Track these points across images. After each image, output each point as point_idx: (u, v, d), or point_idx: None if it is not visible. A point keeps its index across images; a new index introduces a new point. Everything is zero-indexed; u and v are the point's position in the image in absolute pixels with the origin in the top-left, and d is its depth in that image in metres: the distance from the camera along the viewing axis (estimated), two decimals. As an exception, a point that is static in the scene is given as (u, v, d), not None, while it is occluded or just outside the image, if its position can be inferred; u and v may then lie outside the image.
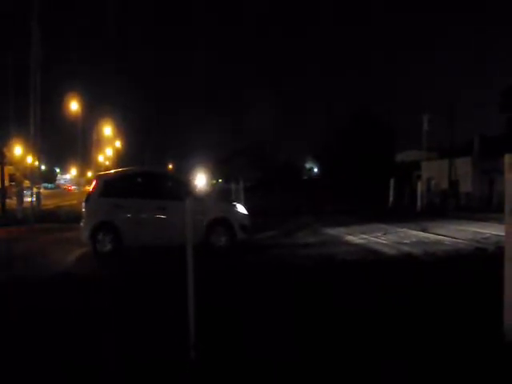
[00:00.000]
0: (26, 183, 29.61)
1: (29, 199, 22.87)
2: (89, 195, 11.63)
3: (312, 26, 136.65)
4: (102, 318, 5.56)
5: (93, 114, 49.89)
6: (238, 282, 7.52)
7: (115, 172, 14.04)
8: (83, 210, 11.49)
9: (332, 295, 6.42)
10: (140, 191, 11.60)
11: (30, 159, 26.80)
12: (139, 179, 12.14)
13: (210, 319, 5.06)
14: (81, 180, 62.28)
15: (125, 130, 65.03)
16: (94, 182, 11.96)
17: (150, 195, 11.42)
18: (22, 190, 23.11)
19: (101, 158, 62.61)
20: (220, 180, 72.14)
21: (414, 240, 12.98)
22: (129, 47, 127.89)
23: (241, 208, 12.25)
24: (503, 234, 4.74)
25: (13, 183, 37.21)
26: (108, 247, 11.07)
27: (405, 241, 12.86)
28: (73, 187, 69.19)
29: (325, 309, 5.81)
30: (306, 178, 68.57)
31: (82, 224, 11.40)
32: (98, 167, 54.26)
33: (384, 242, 12.77)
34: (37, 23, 20.99)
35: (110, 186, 11.57)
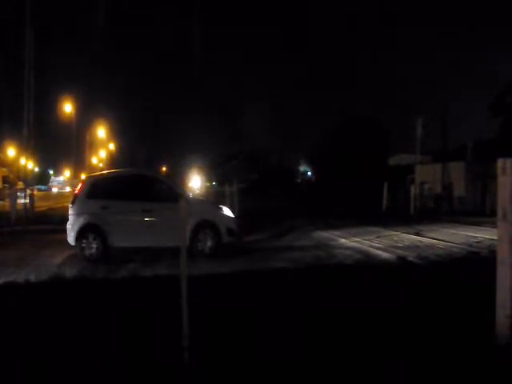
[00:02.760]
0: (20, 185, 29.47)
1: (22, 201, 22.76)
2: (75, 197, 11.48)
3: (307, 25, 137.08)
4: (93, 320, 5.53)
5: (87, 115, 49.84)
6: (225, 285, 7.52)
7: (102, 174, 13.94)
8: (69, 211, 11.36)
9: (323, 297, 6.43)
10: (127, 193, 11.42)
11: (23, 161, 26.65)
12: (126, 181, 11.98)
13: (200, 322, 5.06)
14: (74, 182, 62.03)
15: (119, 131, 65.02)
16: (80, 184, 11.89)
17: (137, 197, 11.28)
18: (16, 191, 23.01)
19: (95, 160, 62.42)
20: (214, 183, 72.14)
21: (407, 243, 13.01)
22: (127, 47, 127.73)
23: (227, 211, 12.20)
24: (496, 237, 4.78)
25: (6, 185, 37.10)
26: (94, 249, 10.95)
27: (398, 244, 12.89)
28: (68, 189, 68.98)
29: (314, 310, 5.81)
30: (299, 180, 68.62)
31: (68, 226, 11.28)
32: (92, 169, 54.09)
33: (377, 245, 12.79)
34: (30, 25, 20.91)
35: (96, 188, 11.47)
